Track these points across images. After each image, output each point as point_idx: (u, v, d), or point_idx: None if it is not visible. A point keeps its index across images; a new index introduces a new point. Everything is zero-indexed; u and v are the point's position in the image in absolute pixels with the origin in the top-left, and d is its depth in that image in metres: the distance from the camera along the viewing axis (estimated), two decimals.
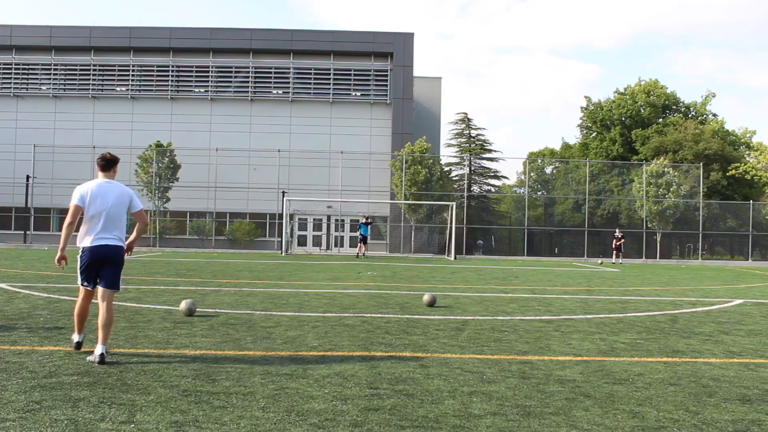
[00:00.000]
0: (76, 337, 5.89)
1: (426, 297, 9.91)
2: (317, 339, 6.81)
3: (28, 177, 36.97)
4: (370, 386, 4.83)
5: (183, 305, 8.16)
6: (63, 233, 5.57)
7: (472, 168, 52.89)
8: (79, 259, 5.67)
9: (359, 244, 29.94)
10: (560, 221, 43.75)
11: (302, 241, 38.99)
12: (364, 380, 5.02)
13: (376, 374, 5.24)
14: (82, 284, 5.72)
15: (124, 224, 5.81)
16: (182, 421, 3.85)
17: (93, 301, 5.85)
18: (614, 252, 31.21)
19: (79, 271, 5.68)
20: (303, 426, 3.82)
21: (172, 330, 7.11)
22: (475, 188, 51.89)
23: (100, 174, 5.85)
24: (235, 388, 4.66)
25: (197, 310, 8.32)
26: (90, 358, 5.46)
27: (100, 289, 5.67)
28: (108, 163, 5.86)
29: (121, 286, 5.85)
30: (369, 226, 30.38)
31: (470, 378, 5.21)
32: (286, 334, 7.03)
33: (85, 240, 5.64)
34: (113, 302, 5.75)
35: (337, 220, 39.10)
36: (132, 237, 5.95)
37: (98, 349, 5.39)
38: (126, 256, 5.89)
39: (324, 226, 39.59)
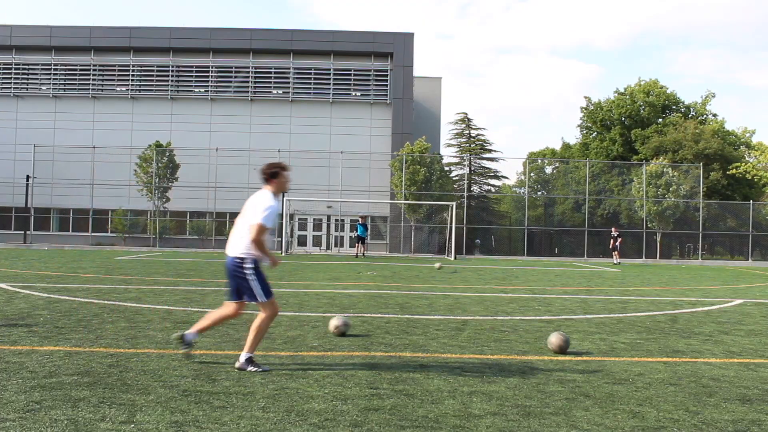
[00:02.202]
0: (189, 332, 5.62)
1: (555, 340, 6.48)
2: (317, 339, 6.81)
3: (28, 177, 36.95)
4: (370, 386, 4.83)
5: (335, 323, 7.09)
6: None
7: (472, 168, 52.87)
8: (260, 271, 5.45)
9: (357, 244, 30.01)
10: (560, 221, 43.74)
11: (302, 241, 38.98)
12: (364, 380, 5.02)
13: (376, 374, 5.24)
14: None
15: (243, 234, 5.41)
16: (182, 421, 3.85)
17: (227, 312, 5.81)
18: (614, 252, 31.07)
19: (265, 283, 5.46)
20: (303, 426, 3.82)
21: (172, 330, 7.10)
22: (475, 188, 51.87)
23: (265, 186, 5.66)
24: (235, 388, 4.66)
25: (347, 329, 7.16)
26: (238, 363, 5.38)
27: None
28: (266, 176, 5.60)
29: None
30: (366, 227, 30.34)
31: (470, 378, 5.21)
32: (286, 334, 7.04)
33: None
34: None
35: (337, 220, 39.10)
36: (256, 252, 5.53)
37: (243, 355, 5.38)
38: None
39: (324, 226, 39.59)
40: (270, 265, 5.44)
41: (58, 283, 12.28)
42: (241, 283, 5.39)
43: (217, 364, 5.46)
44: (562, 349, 6.28)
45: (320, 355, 6.00)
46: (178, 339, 5.50)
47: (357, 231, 30.15)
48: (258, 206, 5.36)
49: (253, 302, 5.44)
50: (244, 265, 5.35)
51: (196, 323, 5.75)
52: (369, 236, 31.34)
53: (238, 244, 5.40)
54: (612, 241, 31.14)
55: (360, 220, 30.78)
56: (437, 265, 21.20)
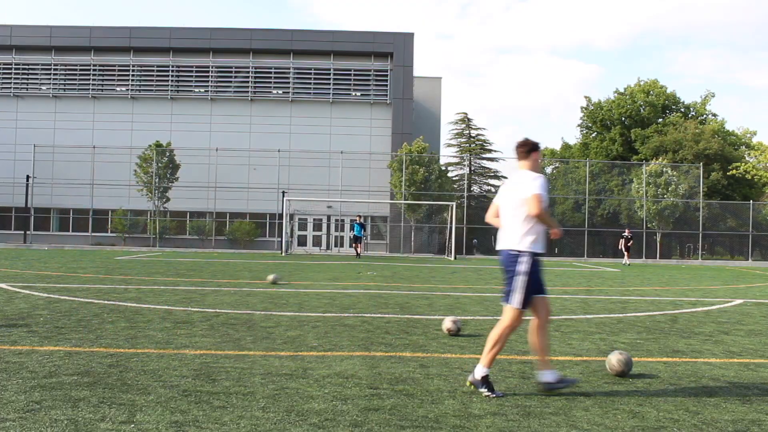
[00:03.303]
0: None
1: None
2: (317, 339, 6.80)
3: (28, 177, 36.96)
4: (370, 386, 4.83)
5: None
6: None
7: (472, 168, 52.85)
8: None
9: (355, 244, 30.02)
10: (560, 221, 43.69)
11: (302, 241, 39.00)
12: (364, 380, 5.02)
13: (376, 374, 5.24)
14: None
15: (518, 223, 4.79)
16: (182, 421, 3.85)
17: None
18: (625, 252, 30.32)
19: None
20: (303, 426, 3.82)
21: (172, 330, 7.11)
22: (475, 188, 51.88)
23: (520, 164, 4.97)
24: (235, 388, 4.66)
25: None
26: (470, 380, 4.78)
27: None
28: (526, 149, 4.91)
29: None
30: (363, 226, 30.23)
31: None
32: (286, 334, 7.03)
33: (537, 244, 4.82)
34: (508, 320, 4.81)
35: (337, 220, 39.10)
36: (544, 225, 4.86)
37: (478, 370, 4.74)
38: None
39: (324, 226, 39.60)
40: (553, 235, 4.87)
41: (58, 283, 12.28)
42: (509, 281, 4.79)
43: (217, 364, 5.45)
44: (624, 374, 5.32)
45: (320, 355, 6.00)
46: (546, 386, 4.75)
47: (353, 231, 30.10)
48: (525, 182, 4.72)
49: (506, 304, 4.81)
50: (519, 259, 4.71)
51: (487, 354, 4.80)
52: (368, 236, 31.22)
53: (512, 236, 4.77)
54: (624, 241, 30.57)
55: (357, 219, 30.71)
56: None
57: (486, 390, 4.61)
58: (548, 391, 4.73)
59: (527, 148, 4.87)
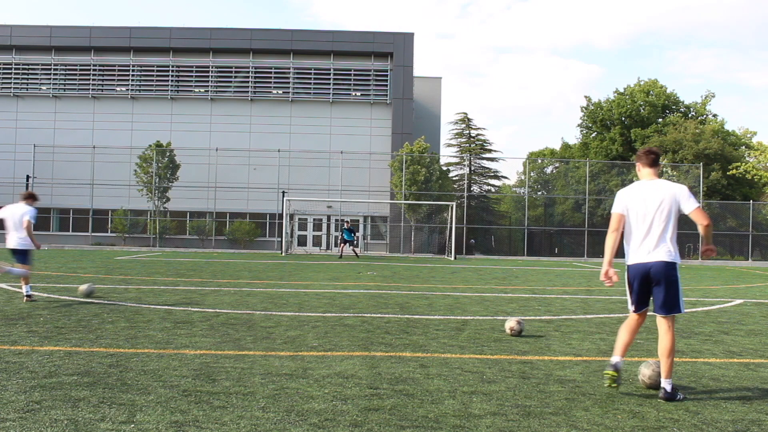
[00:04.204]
0: (613, 359, 4.91)
1: None
2: (317, 339, 6.80)
3: (28, 177, 36.95)
4: (370, 386, 4.83)
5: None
6: (606, 247, 4.93)
7: (472, 168, 52.86)
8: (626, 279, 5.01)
9: (352, 246, 29.16)
10: (560, 221, 43.74)
11: (302, 241, 38.98)
12: (364, 380, 5.02)
13: (376, 374, 5.24)
14: (629, 306, 5.04)
15: (669, 234, 4.83)
16: (182, 421, 3.85)
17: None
18: None
19: (627, 292, 5.05)
20: (303, 426, 3.82)
21: (172, 330, 7.11)
22: (475, 188, 51.87)
23: (646, 171, 5.01)
24: (235, 388, 4.66)
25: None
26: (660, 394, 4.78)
27: (656, 314, 4.94)
28: (656, 157, 4.99)
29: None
30: (352, 231, 29.49)
31: (470, 378, 5.21)
32: (286, 334, 7.03)
33: (628, 257, 4.95)
34: (673, 327, 4.89)
35: (337, 220, 39.09)
36: (706, 241, 4.92)
37: (661, 383, 4.78)
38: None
39: (324, 226, 39.60)
40: (708, 252, 4.97)
41: (58, 283, 12.28)
42: (670, 289, 4.79)
43: (217, 364, 5.45)
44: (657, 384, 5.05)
45: (320, 355, 6.00)
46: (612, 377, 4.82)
47: (343, 235, 29.19)
48: (682, 194, 4.81)
49: (665, 314, 4.83)
50: (676, 268, 4.82)
51: (619, 349, 5.00)
52: (358, 241, 30.41)
53: (664, 246, 4.80)
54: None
55: (346, 224, 29.96)
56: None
57: (679, 395, 4.77)
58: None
59: (656, 157, 5.00)
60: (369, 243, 38.73)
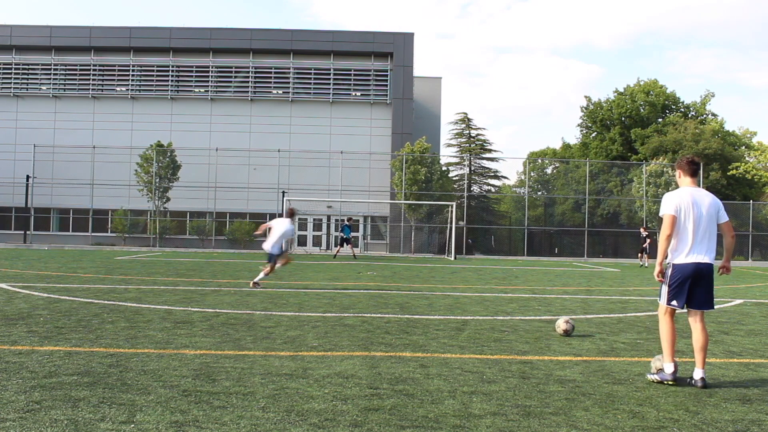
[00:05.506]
0: (669, 368, 5.18)
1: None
2: (317, 339, 6.80)
3: (28, 177, 36.96)
4: (370, 386, 4.83)
5: (562, 325, 7.40)
6: (661, 246, 5.26)
7: (472, 168, 52.85)
8: (668, 276, 5.32)
9: (349, 246, 28.89)
10: (560, 221, 43.74)
11: (302, 241, 38.98)
12: (364, 380, 5.02)
13: (376, 374, 5.24)
14: (669, 303, 5.31)
15: (715, 238, 5.33)
16: (182, 421, 3.85)
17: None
18: (645, 253, 27.60)
19: (667, 289, 5.31)
20: (303, 426, 3.82)
21: (172, 330, 7.11)
22: (475, 188, 51.86)
23: (688, 180, 5.41)
24: (235, 388, 4.66)
25: None
26: (694, 382, 5.15)
27: (692, 310, 5.31)
28: (697, 168, 5.43)
29: None
30: (351, 228, 29.31)
31: (470, 378, 5.21)
32: (286, 334, 7.03)
33: (677, 256, 5.27)
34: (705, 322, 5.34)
35: (337, 220, 39.09)
36: (727, 255, 5.43)
37: (697, 373, 5.15)
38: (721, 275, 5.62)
39: (324, 226, 39.60)
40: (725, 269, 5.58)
41: (58, 283, 12.28)
42: (711, 288, 5.29)
43: (217, 364, 5.45)
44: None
45: (320, 355, 6.00)
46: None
47: (342, 232, 28.95)
48: (720, 205, 5.36)
49: (706, 310, 5.32)
50: (712, 271, 5.31)
51: (670, 353, 5.26)
52: (351, 239, 30.20)
53: (713, 248, 5.27)
54: (642, 241, 28.18)
55: (346, 221, 29.79)
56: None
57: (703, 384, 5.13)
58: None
59: (698, 167, 5.45)
60: (369, 243, 38.73)
